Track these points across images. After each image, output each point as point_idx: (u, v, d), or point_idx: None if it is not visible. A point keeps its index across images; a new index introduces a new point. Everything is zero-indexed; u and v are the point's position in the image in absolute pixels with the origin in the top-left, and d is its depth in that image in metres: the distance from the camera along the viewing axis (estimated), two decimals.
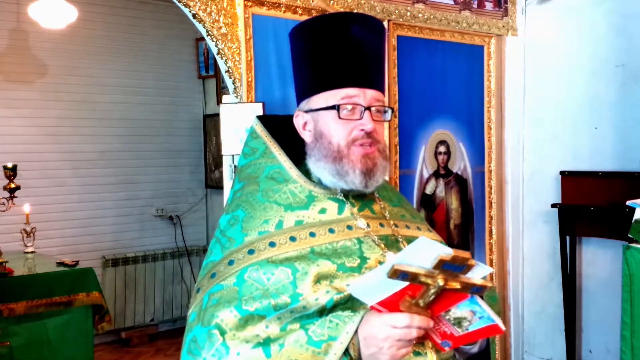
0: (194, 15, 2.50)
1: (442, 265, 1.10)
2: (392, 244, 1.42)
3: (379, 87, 1.44)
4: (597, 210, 3.28)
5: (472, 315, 1.19)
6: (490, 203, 3.70)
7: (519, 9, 3.70)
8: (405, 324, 1.16)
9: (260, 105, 2.49)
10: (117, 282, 5.37)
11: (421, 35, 3.31)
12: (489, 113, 3.66)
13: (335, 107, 1.38)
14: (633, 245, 2.36)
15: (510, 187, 3.75)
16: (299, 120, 1.48)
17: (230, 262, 1.34)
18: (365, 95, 1.39)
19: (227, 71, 2.59)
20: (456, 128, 3.50)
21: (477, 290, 1.15)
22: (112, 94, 5.38)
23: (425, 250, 1.12)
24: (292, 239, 1.34)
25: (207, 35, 2.55)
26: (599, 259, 3.49)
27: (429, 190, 3.39)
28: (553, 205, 3.51)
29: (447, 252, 1.10)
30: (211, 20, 2.52)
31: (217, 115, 2.73)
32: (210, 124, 5.82)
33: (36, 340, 3.76)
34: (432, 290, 1.14)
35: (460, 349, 1.39)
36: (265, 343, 1.22)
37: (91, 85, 5.28)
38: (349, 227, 1.39)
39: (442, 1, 3.35)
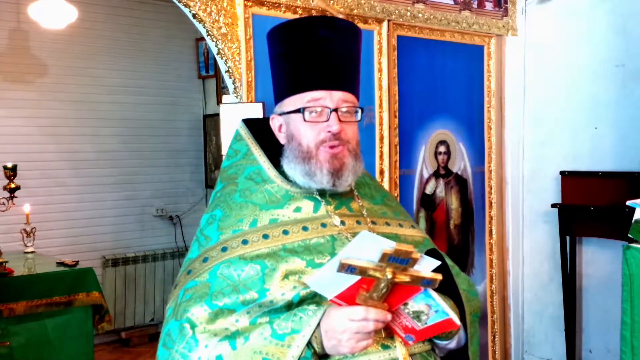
0: (194, 15, 2.50)
1: (388, 259, 1.13)
2: None
3: (349, 88, 1.45)
4: (597, 210, 3.28)
5: (429, 308, 1.23)
6: (490, 203, 3.69)
7: (519, 9, 3.70)
8: (361, 316, 1.20)
9: (260, 105, 2.49)
10: (117, 282, 5.37)
11: (421, 35, 3.31)
12: (489, 113, 3.66)
13: (300, 111, 1.41)
14: (633, 245, 2.35)
15: (510, 187, 3.75)
16: (275, 123, 1.52)
17: (205, 260, 1.39)
18: (331, 97, 1.41)
19: (227, 71, 2.59)
20: (456, 128, 3.51)
21: (428, 283, 1.18)
22: (112, 94, 5.38)
23: (370, 245, 1.15)
24: (265, 236, 1.39)
25: (207, 35, 2.55)
26: (599, 259, 3.49)
27: (429, 190, 3.39)
28: (553, 205, 3.51)
29: (390, 245, 1.13)
30: (211, 20, 2.52)
31: (217, 115, 2.73)
32: (210, 124, 5.82)
33: (36, 340, 3.76)
34: (383, 284, 1.17)
35: (437, 344, 1.42)
36: (232, 336, 1.26)
37: (91, 85, 5.28)
38: (323, 225, 1.43)
39: (442, 1, 3.35)
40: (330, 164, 1.41)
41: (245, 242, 1.38)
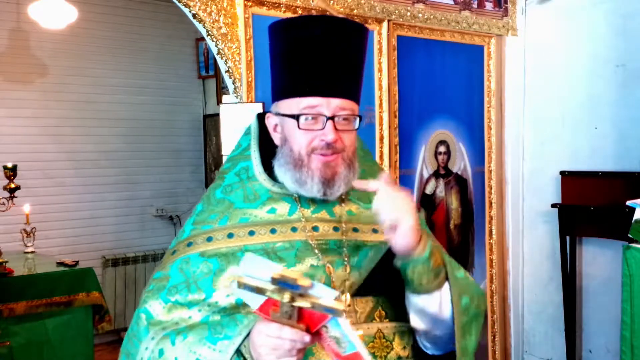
0: (194, 15, 2.50)
1: (278, 283, 1.10)
2: (335, 249, 1.39)
3: (348, 94, 1.38)
4: (597, 210, 3.28)
5: (342, 337, 1.16)
6: (490, 203, 3.69)
7: (519, 9, 3.70)
8: (275, 334, 1.15)
9: (260, 105, 2.49)
10: (117, 282, 5.38)
11: (421, 35, 3.31)
12: (489, 113, 3.66)
13: (295, 117, 1.35)
14: (633, 245, 2.36)
15: (510, 187, 3.75)
16: (270, 122, 1.46)
17: (173, 252, 1.41)
18: (328, 105, 1.34)
19: (227, 71, 2.59)
20: (456, 128, 3.51)
21: (331, 311, 1.12)
22: (112, 94, 5.39)
23: (262, 265, 1.12)
24: (230, 235, 1.37)
25: (207, 35, 2.55)
26: (599, 259, 3.49)
27: (429, 190, 3.39)
28: (553, 205, 3.51)
29: (276, 270, 1.10)
30: (211, 20, 2.52)
31: (217, 115, 2.73)
32: (210, 124, 5.83)
33: (36, 340, 3.76)
34: (285, 307, 1.13)
35: (406, 259, 1.30)
36: (176, 332, 1.28)
37: (91, 85, 5.29)
38: (294, 229, 1.38)
39: (442, 1, 3.35)
40: (321, 173, 1.35)
41: (209, 239, 1.38)
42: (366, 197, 1.48)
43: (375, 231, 1.44)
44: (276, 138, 1.45)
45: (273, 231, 1.37)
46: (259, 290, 1.12)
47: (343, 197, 1.45)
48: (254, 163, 1.47)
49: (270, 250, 1.35)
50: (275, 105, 1.44)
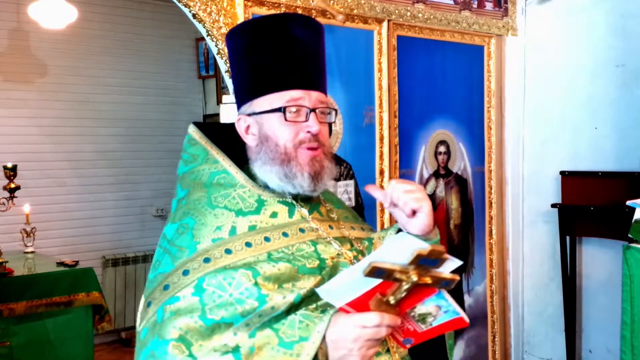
0: (194, 15, 2.50)
1: (419, 261, 1.12)
2: (343, 245, 1.42)
3: (322, 88, 1.43)
4: (597, 210, 3.28)
5: (438, 310, 1.21)
6: (490, 203, 3.70)
7: (519, 9, 3.70)
8: (376, 322, 1.15)
9: None
10: (117, 282, 5.38)
11: (421, 35, 3.31)
12: (489, 113, 3.66)
13: (281, 110, 1.36)
14: (633, 245, 2.36)
15: (510, 187, 3.76)
16: (241, 124, 1.45)
17: (185, 272, 1.29)
18: (310, 97, 1.38)
19: (227, 71, 2.59)
20: (456, 128, 3.51)
21: (447, 284, 1.17)
22: (112, 94, 5.39)
23: (403, 246, 1.13)
24: (248, 244, 1.32)
25: (207, 35, 2.55)
26: (599, 259, 3.49)
27: (429, 190, 3.38)
28: (553, 205, 3.52)
29: (423, 247, 1.12)
30: (211, 20, 2.52)
31: (217, 115, 2.73)
32: None
33: (36, 340, 3.76)
34: (405, 287, 1.15)
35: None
36: (235, 349, 1.20)
37: (91, 85, 5.29)
38: (302, 230, 1.39)
39: (442, 1, 3.35)
40: (310, 167, 1.37)
41: (228, 251, 1.30)
42: (331, 199, 1.57)
43: (353, 228, 1.52)
44: (250, 140, 1.44)
45: (285, 235, 1.36)
46: (388, 274, 1.12)
47: (322, 198, 1.51)
48: (233, 171, 1.43)
49: (291, 252, 1.34)
50: (249, 106, 1.43)
